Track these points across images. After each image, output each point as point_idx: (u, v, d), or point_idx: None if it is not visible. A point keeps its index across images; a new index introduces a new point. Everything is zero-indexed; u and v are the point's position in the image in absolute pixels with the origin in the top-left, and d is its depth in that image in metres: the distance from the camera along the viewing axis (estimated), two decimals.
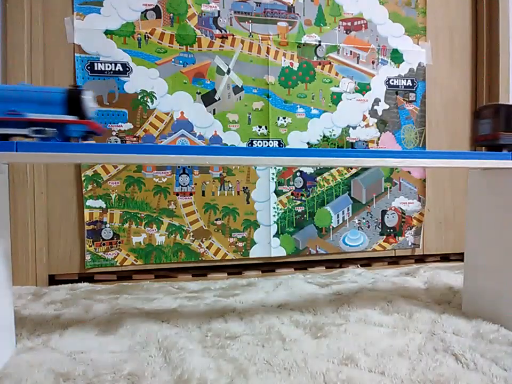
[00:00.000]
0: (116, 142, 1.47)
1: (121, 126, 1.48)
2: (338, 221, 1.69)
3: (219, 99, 1.56)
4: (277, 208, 1.63)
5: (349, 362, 0.77)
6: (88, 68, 1.45)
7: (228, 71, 1.57)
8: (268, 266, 1.64)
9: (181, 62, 1.53)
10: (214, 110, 1.56)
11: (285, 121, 1.62)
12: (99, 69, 1.46)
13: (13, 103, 0.69)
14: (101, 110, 1.46)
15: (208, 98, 1.56)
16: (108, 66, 1.47)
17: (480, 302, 1.00)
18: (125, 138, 1.48)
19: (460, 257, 1.79)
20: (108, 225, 1.48)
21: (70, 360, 0.79)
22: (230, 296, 1.16)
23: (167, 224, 1.53)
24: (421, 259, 1.84)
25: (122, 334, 0.90)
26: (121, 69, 1.48)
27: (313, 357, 0.79)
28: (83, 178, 1.45)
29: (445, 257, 1.85)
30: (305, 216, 1.66)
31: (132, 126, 1.49)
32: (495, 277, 0.96)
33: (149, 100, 1.50)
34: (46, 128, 0.70)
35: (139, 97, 1.49)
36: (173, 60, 1.52)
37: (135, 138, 1.49)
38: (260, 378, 0.71)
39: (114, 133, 1.47)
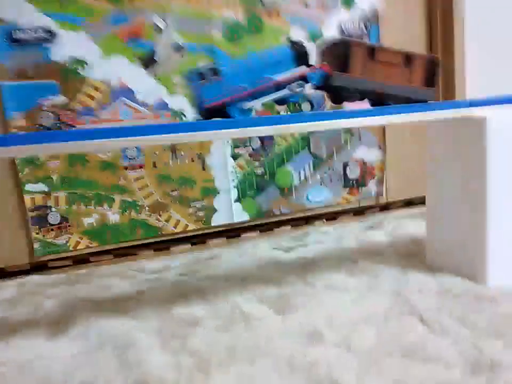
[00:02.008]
0: (49, 117, 1.33)
1: (52, 99, 1.33)
2: (300, 178, 1.64)
3: (159, 60, 1.43)
4: (235, 172, 1.56)
5: (315, 339, 0.73)
6: (6, 38, 1.28)
7: (166, 28, 1.42)
8: (232, 232, 1.60)
9: (112, 21, 1.36)
10: (155, 72, 1.43)
11: None
12: (19, 37, 1.29)
13: (259, 70, 0.75)
14: (26, 83, 1.30)
15: (147, 60, 1.41)
16: (29, 34, 1.30)
17: (444, 253, 0.98)
18: (59, 113, 1.34)
19: (423, 200, 1.80)
20: (53, 209, 1.37)
21: (18, 374, 0.72)
22: (192, 273, 1.11)
23: (119, 201, 1.43)
24: (386, 207, 1.83)
25: (75, 335, 0.83)
26: (44, 36, 1.31)
27: (278, 337, 0.75)
28: (17, 162, 1.32)
29: (409, 202, 1.85)
30: (265, 177, 1.60)
31: (65, 99, 1.34)
32: (456, 227, 0.94)
33: (80, 67, 1.35)
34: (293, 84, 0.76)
35: (69, 65, 1.34)
36: (103, 19, 1.35)
37: (70, 112, 1.35)
38: (221, 371, 0.66)
39: (45, 108, 1.32)
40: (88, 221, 1.41)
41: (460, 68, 1.76)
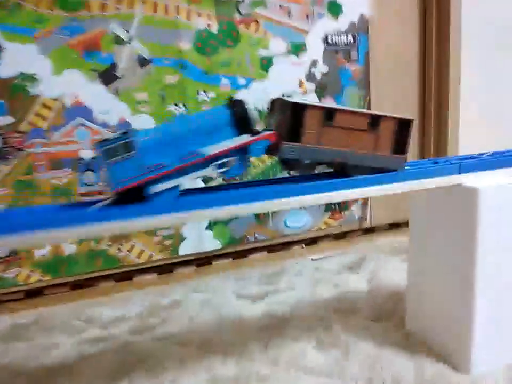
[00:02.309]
0: None
1: None
2: None
3: (122, 76, 1.28)
4: None
5: None
6: None
7: (129, 40, 1.27)
8: (203, 260, 1.48)
9: (67, 32, 1.21)
10: (117, 89, 1.28)
11: (207, 96, 1.36)
12: None
13: (185, 141, 0.59)
14: None
15: (108, 76, 1.26)
16: None
17: (424, 323, 0.88)
18: (5, 135, 1.19)
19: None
20: None
21: None
22: (145, 330, 0.99)
23: None
24: (369, 230, 1.72)
25: None
26: None
27: None
28: None
29: (394, 224, 1.75)
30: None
31: (13, 119, 1.20)
32: (439, 301, 0.83)
33: (29, 84, 1.20)
34: (227, 159, 0.60)
35: (17, 82, 1.18)
36: (55, 30, 1.20)
37: (18, 134, 1.21)
38: None
39: None
40: (39, 252, 1.28)
41: (456, 77, 1.62)
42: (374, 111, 0.68)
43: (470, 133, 1.65)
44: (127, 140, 0.55)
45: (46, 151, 1.23)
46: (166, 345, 0.93)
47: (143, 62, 1.29)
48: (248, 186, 0.69)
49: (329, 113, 0.64)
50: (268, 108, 0.69)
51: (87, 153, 1.27)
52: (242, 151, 0.61)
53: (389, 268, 1.23)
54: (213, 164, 0.60)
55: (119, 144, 0.55)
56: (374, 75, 1.54)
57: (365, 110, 0.67)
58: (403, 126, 0.68)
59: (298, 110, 0.62)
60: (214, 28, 1.34)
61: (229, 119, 0.61)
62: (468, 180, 0.71)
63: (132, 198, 0.57)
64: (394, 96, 1.59)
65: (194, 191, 0.67)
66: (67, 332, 1.01)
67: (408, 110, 1.62)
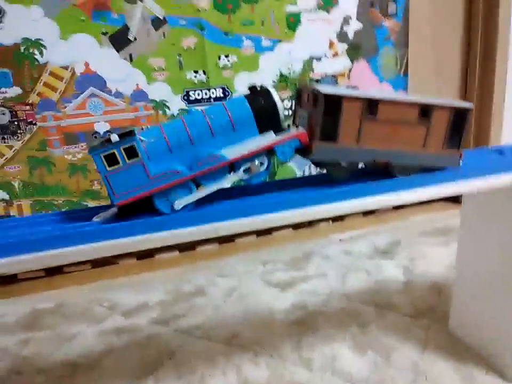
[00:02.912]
0: (4, 113, 1.10)
1: (6, 92, 1.09)
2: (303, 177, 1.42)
3: (135, 39, 1.16)
4: None
5: None
6: None
7: None
8: (226, 237, 1.41)
9: None
10: (131, 55, 1.16)
11: (228, 61, 1.24)
12: None
13: (199, 142, 0.48)
14: None
15: (120, 40, 1.15)
16: None
17: (470, 328, 0.80)
18: (14, 108, 1.11)
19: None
20: None
21: None
22: (170, 320, 0.95)
23: None
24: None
25: None
26: None
27: None
28: None
29: None
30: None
31: (21, 91, 1.10)
32: (488, 306, 0.75)
33: (36, 51, 1.09)
34: (253, 162, 0.50)
35: (22, 49, 1.08)
36: None
37: (28, 107, 1.12)
38: None
39: None
40: None
41: (505, 36, 1.42)
42: (425, 98, 0.56)
43: None
44: (128, 145, 0.45)
45: (58, 125, 1.15)
46: (191, 339, 0.88)
47: (157, 23, 1.16)
48: (276, 189, 0.58)
49: (371, 105, 0.52)
50: (295, 99, 0.58)
51: (102, 126, 1.18)
52: (267, 154, 0.51)
53: (426, 252, 1.15)
54: (235, 170, 0.50)
55: (120, 150, 0.45)
56: (414, 32, 1.38)
57: (414, 98, 0.55)
58: (459, 115, 0.56)
59: (333, 103, 0.51)
60: None
61: (250, 114, 0.49)
62: None
63: (140, 210, 0.48)
64: (436, 57, 1.43)
65: (215, 198, 0.55)
66: (88, 320, 0.98)
67: (450, 74, 1.45)
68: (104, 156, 0.45)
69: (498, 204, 0.69)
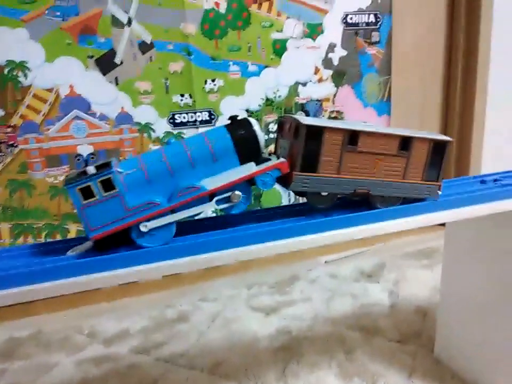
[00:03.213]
0: None
1: None
2: (289, 199, 1.42)
3: (121, 63, 1.16)
4: None
5: None
6: None
7: (129, 22, 1.14)
8: None
9: (58, 14, 1.08)
10: (117, 78, 1.16)
11: (214, 85, 1.25)
12: None
13: (178, 173, 0.48)
14: None
15: (106, 63, 1.15)
16: None
17: (455, 353, 0.80)
18: None
19: None
20: None
21: None
22: (151, 348, 0.92)
23: (76, 232, 1.22)
24: None
25: None
26: None
27: None
28: None
29: None
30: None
31: (3, 113, 1.09)
32: (475, 332, 0.75)
33: (20, 73, 1.08)
34: (229, 194, 0.49)
35: (6, 71, 1.07)
36: (46, 12, 1.07)
37: (9, 129, 1.10)
38: None
39: None
40: None
41: (485, 64, 1.47)
42: (405, 130, 0.56)
43: (496, 116, 1.52)
44: (105, 177, 0.44)
45: (40, 147, 1.13)
46: (174, 367, 0.86)
47: (144, 47, 1.17)
48: (257, 220, 0.57)
49: (352, 137, 0.53)
50: (277, 128, 0.58)
51: (85, 149, 1.17)
52: (247, 183, 0.51)
53: (411, 275, 1.15)
54: (214, 200, 0.49)
55: (96, 183, 0.44)
56: (397, 59, 1.41)
57: (394, 131, 0.55)
58: (438, 148, 0.57)
59: (314, 134, 0.51)
60: (223, 8, 1.21)
61: (231, 144, 0.49)
62: None
63: (117, 243, 0.46)
64: (418, 84, 1.46)
65: (194, 229, 0.52)
66: (67, 349, 0.94)
67: (431, 100, 1.49)
68: (80, 189, 0.44)
69: (483, 227, 0.70)
